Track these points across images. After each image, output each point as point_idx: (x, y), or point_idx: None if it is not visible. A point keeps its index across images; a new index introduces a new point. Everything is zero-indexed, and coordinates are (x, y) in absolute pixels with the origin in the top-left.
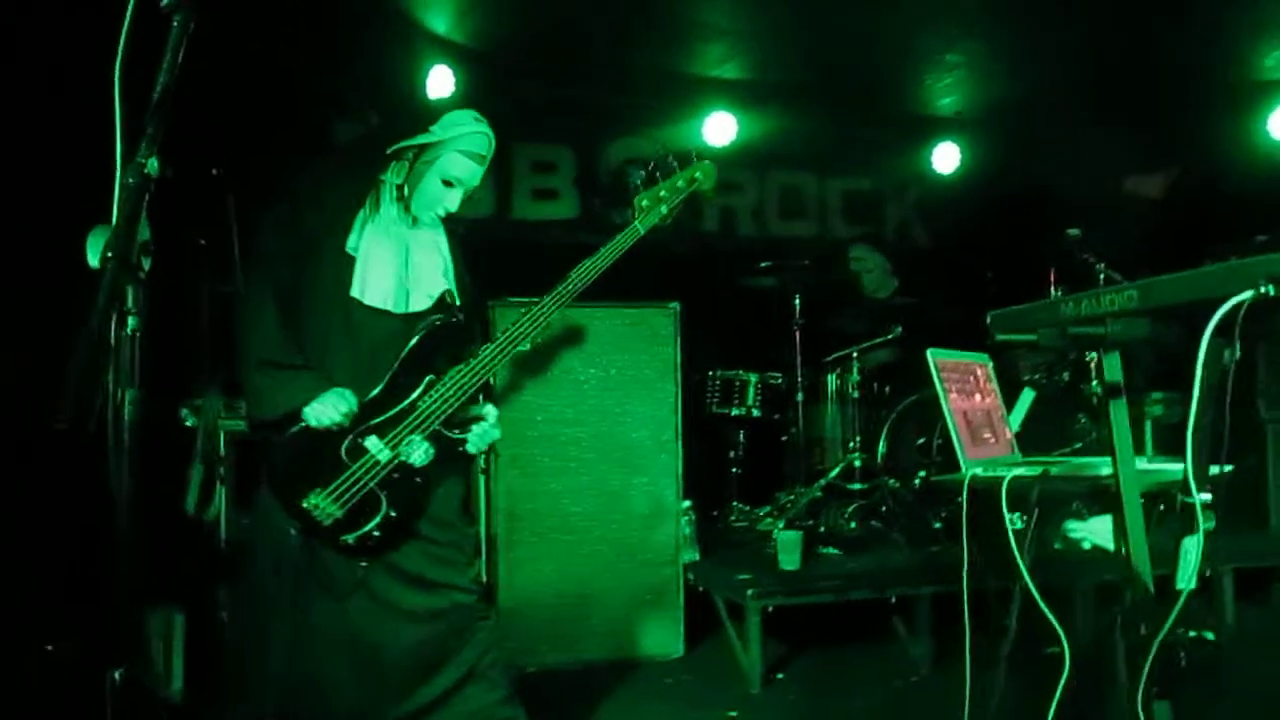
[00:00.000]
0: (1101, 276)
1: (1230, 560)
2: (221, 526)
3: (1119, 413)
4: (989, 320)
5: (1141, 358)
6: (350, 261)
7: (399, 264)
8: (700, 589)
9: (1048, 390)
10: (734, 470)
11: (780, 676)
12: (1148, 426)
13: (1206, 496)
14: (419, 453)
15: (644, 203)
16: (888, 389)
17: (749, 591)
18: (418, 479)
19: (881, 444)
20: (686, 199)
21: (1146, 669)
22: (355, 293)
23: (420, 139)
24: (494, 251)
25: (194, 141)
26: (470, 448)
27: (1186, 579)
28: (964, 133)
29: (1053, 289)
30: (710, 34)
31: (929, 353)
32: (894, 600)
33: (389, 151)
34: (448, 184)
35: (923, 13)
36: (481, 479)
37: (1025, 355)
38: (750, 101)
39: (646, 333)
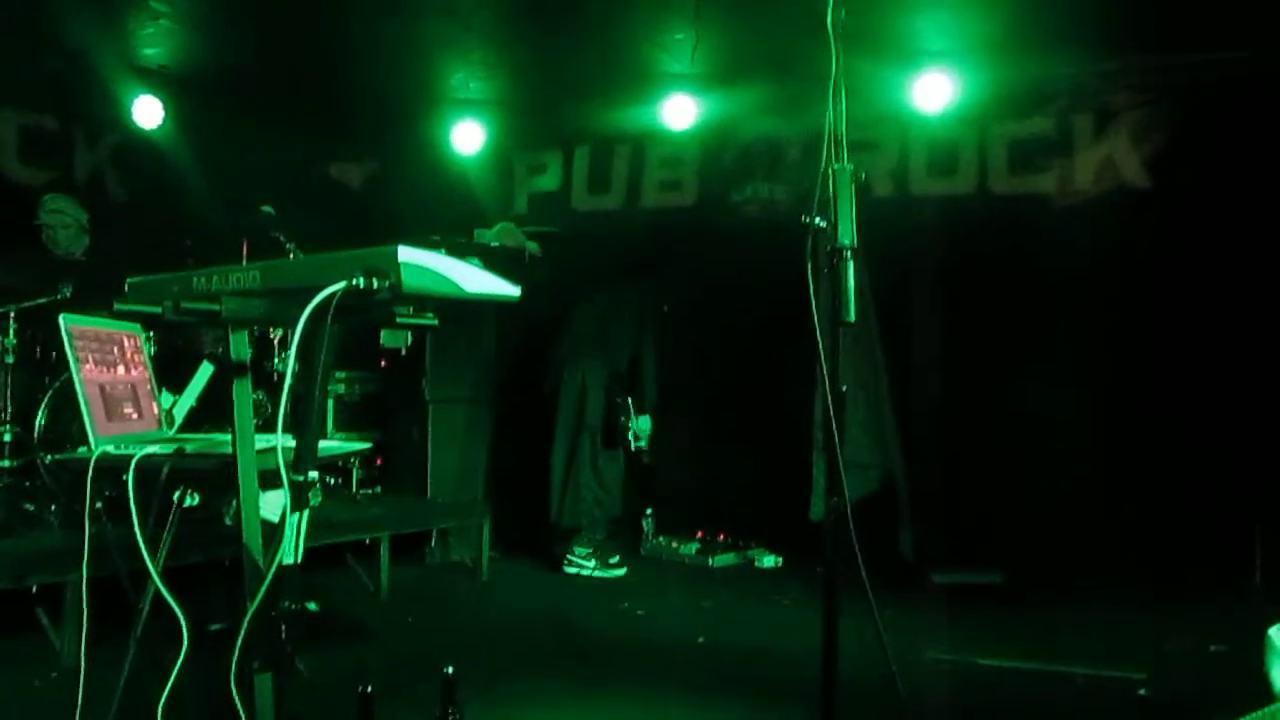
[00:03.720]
0: (291, 256)
1: (389, 527)
2: None
3: (242, 390)
4: (126, 287)
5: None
6: None
7: None
8: None
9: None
10: None
11: None
12: (330, 404)
13: (314, 474)
14: None
15: None
16: (54, 354)
17: None
18: None
19: (41, 415)
20: None
21: (240, 643)
22: None
23: None
24: None
25: None
26: None
27: (290, 553)
28: (169, 88)
29: (245, 264)
30: None
31: (62, 318)
32: (35, 590)
33: None
34: None
35: None
36: None
37: (207, 329)
38: None
39: None
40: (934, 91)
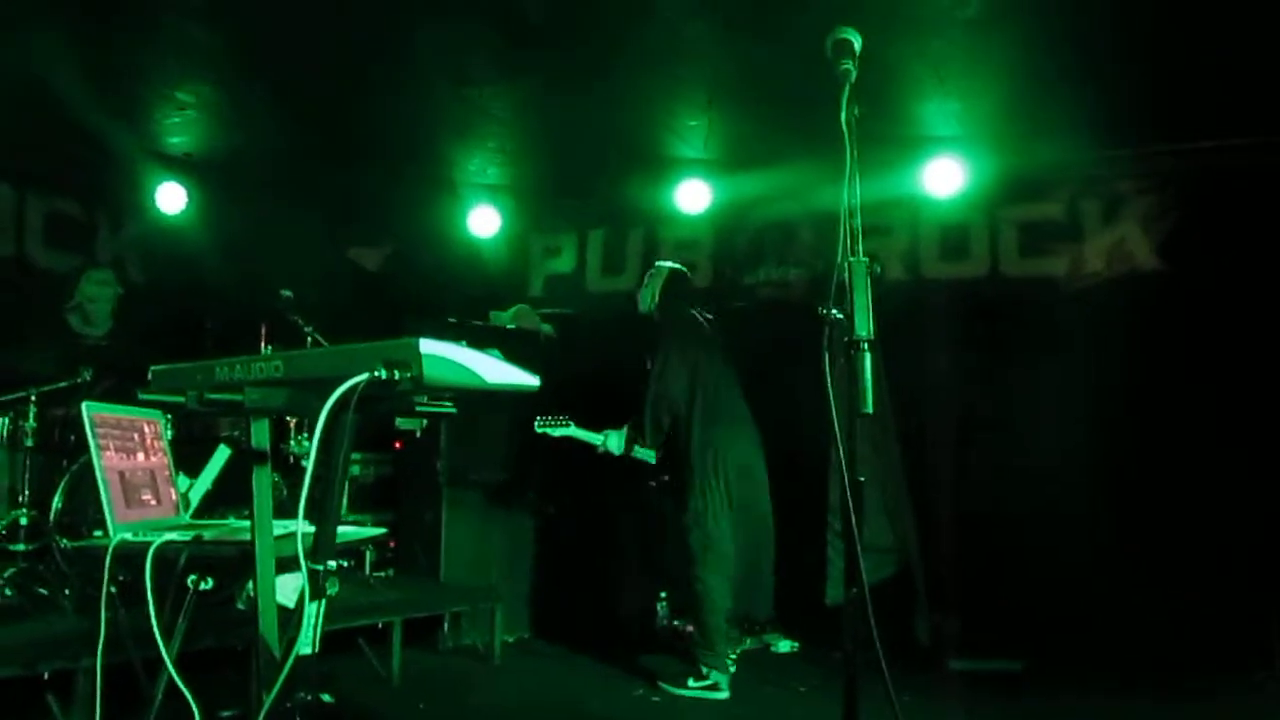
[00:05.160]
0: (309, 339)
1: (401, 611)
2: None
3: (261, 479)
4: (150, 375)
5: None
6: None
7: None
8: None
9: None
10: None
11: None
12: (344, 486)
13: (332, 564)
14: None
15: None
16: (72, 437)
17: None
18: None
19: (57, 499)
20: None
21: None
22: None
23: None
24: None
25: None
26: None
27: (306, 644)
28: (192, 174)
29: (263, 347)
30: None
31: (85, 405)
32: (46, 676)
33: None
34: None
35: (152, 46)
36: None
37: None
38: None
39: None
40: (944, 177)
